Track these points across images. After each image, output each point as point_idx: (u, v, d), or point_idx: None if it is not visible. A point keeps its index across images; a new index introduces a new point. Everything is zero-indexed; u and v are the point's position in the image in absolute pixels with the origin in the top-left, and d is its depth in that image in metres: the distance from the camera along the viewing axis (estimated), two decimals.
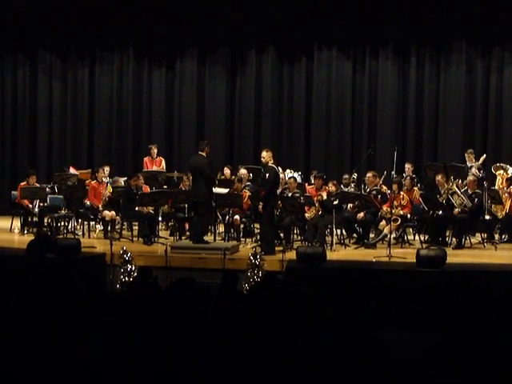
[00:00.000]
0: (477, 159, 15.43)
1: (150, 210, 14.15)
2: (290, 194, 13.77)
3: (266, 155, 12.80)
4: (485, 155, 15.66)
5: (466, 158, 15.48)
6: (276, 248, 12.62)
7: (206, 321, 5.59)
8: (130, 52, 18.84)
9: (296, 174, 15.65)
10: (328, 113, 18.15)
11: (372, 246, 13.27)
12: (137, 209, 13.99)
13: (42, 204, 14.77)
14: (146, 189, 14.71)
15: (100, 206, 14.32)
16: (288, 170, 15.40)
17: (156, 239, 13.69)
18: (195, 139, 18.52)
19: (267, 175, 12.61)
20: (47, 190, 15.13)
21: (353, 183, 14.87)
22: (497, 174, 14.88)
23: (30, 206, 14.81)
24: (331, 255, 11.98)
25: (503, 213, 13.99)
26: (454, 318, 5.85)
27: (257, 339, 5.13)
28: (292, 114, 18.44)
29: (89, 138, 19.13)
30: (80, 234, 14.55)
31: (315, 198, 13.60)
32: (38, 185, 15.27)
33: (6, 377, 4.67)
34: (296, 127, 18.43)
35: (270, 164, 12.67)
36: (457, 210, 13.30)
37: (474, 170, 14.94)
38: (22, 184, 15.25)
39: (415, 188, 14.32)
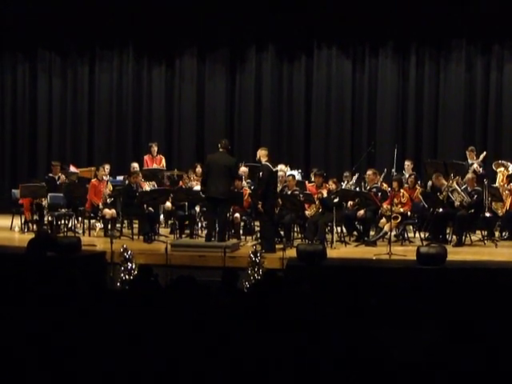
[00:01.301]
0: (477, 156, 15.43)
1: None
2: (289, 192, 13.75)
3: (258, 153, 12.89)
4: (485, 152, 15.65)
5: (467, 156, 15.47)
6: (276, 246, 12.67)
7: (206, 319, 5.59)
8: (130, 50, 18.82)
9: (296, 172, 15.66)
10: (328, 111, 18.15)
11: (372, 243, 13.27)
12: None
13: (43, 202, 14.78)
14: (144, 185, 14.70)
15: (100, 204, 14.32)
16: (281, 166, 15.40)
17: (156, 237, 13.70)
18: (195, 137, 18.59)
19: (261, 174, 12.63)
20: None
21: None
22: (498, 171, 14.87)
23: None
24: (331, 253, 11.98)
25: (503, 210, 14.01)
26: (455, 316, 5.85)
27: (257, 337, 5.14)
28: (292, 112, 18.44)
29: (89, 136, 19.12)
30: (80, 232, 14.55)
31: (315, 196, 13.60)
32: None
33: (7, 376, 4.67)
34: (296, 125, 18.42)
35: (263, 162, 12.69)
36: (457, 203, 13.34)
37: (475, 165, 14.96)
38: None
39: (417, 186, 14.31)
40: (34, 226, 14.68)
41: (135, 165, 15.94)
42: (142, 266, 9.68)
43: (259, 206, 12.96)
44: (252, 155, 17.92)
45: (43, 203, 14.71)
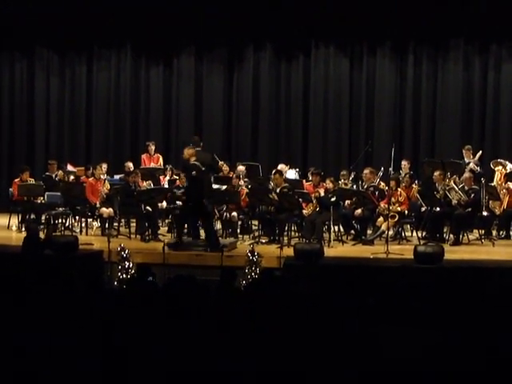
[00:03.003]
0: (474, 155, 15.44)
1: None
2: (278, 189, 13.67)
3: (186, 152, 12.77)
4: (481, 151, 15.68)
5: (464, 155, 15.49)
6: (273, 244, 12.77)
7: (204, 318, 5.59)
8: (128, 49, 18.80)
9: (293, 171, 15.68)
10: (325, 110, 18.14)
11: (369, 242, 13.28)
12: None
13: (40, 201, 14.78)
14: (142, 183, 14.71)
15: (97, 203, 14.31)
16: (281, 166, 15.41)
17: (153, 237, 13.68)
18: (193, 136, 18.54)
19: (193, 173, 12.52)
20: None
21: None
22: (495, 169, 14.86)
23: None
24: (329, 252, 11.99)
25: (501, 209, 14.01)
26: (452, 315, 5.85)
27: (254, 336, 5.13)
28: (289, 111, 18.43)
29: (86, 135, 19.11)
30: (77, 231, 14.54)
31: (313, 195, 13.60)
32: (32, 180, 15.29)
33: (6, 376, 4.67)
34: (293, 124, 18.42)
35: (192, 161, 12.65)
36: (455, 201, 13.35)
37: (471, 165, 14.96)
38: (16, 180, 15.27)
39: (414, 185, 14.33)
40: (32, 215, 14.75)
41: (130, 164, 15.95)
42: (141, 266, 9.66)
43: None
44: (250, 154, 17.99)
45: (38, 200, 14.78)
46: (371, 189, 13.90)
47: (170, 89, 18.90)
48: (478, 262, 11.41)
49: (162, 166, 16.50)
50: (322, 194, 13.56)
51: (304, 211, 13.58)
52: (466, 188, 13.65)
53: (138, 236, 13.78)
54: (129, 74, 18.87)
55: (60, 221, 14.90)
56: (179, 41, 18.54)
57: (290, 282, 8.17)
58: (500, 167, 14.79)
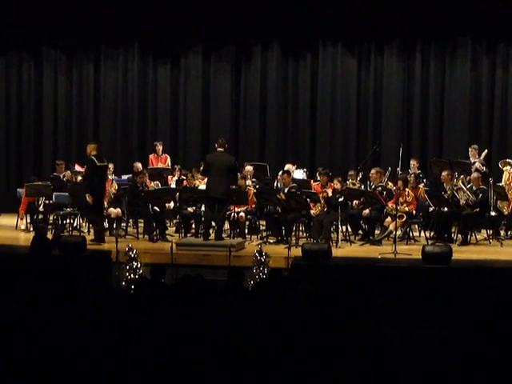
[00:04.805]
0: (480, 155, 15.41)
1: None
2: (286, 189, 13.66)
3: (88, 147, 13.34)
4: (486, 150, 15.65)
5: (470, 154, 15.47)
6: (280, 244, 12.73)
7: (212, 317, 5.59)
8: (135, 48, 18.78)
9: (301, 171, 15.66)
10: (333, 109, 18.11)
11: (377, 242, 13.26)
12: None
13: (47, 201, 14.79)
14: (150, 184, 14.73)
15: (105, 203, 14.31)
16: (288, 165, 15.38)
17: (161, 237, 13.68)
18: (200, 136, 18.56)
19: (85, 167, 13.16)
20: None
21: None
22: (504, 169, 14.82)
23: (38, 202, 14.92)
24: (336, 252, 12.00)
25: (509, 209, 13.98)
26: (460, 315, 5.85)
27: (261, 336, 5.13)
28: (297, 110, 18.41)
29: (94, 135, 19.09)
30: (85, 231, 14.56)
31: (320, 195, 13.59)
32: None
33: (6, 375, 4.67)
34: (301, 124, 18.39)
35: (90, 156, 12.92)
36: (462, 201, 13.33)
37: (477, 164, 14.93)
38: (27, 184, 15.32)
39: (420, 186, 14.30)
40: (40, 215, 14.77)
41: (139, 165, 15.95)
42: (156, 266, 9.61)
43: (88, 198, 13.13)
44: (258, 154, 17.97)
45: (40, 203, 14.79)
46: (379, 189, 13.88)
47: (177, 88, 18.88)
48: (486, 262, 11.40)
49: (170, 167, 16.49)
50: (330, 194, 13.54)
51: (312, 211, 13.58)
52: (474, 188, 13.62)
53: (145, 236, 13.79)
54: (136, 73, 18.87)
55: (68, 221, 14.92)
56: (187, 40, 18.52)
57: (298, 283, 8.17)
58: (508, 167, 14.74)
